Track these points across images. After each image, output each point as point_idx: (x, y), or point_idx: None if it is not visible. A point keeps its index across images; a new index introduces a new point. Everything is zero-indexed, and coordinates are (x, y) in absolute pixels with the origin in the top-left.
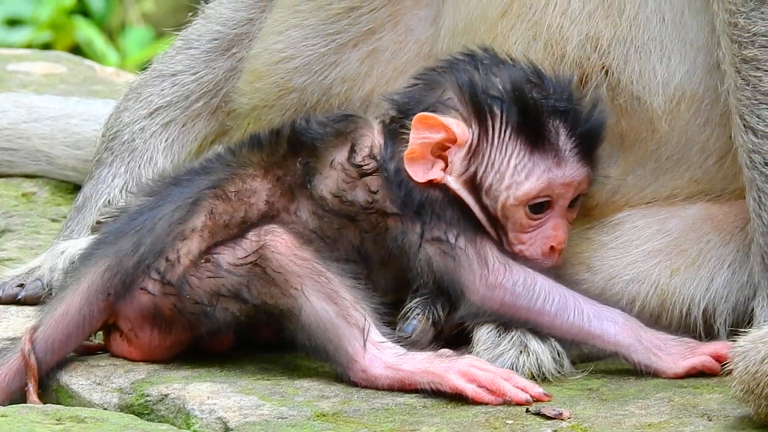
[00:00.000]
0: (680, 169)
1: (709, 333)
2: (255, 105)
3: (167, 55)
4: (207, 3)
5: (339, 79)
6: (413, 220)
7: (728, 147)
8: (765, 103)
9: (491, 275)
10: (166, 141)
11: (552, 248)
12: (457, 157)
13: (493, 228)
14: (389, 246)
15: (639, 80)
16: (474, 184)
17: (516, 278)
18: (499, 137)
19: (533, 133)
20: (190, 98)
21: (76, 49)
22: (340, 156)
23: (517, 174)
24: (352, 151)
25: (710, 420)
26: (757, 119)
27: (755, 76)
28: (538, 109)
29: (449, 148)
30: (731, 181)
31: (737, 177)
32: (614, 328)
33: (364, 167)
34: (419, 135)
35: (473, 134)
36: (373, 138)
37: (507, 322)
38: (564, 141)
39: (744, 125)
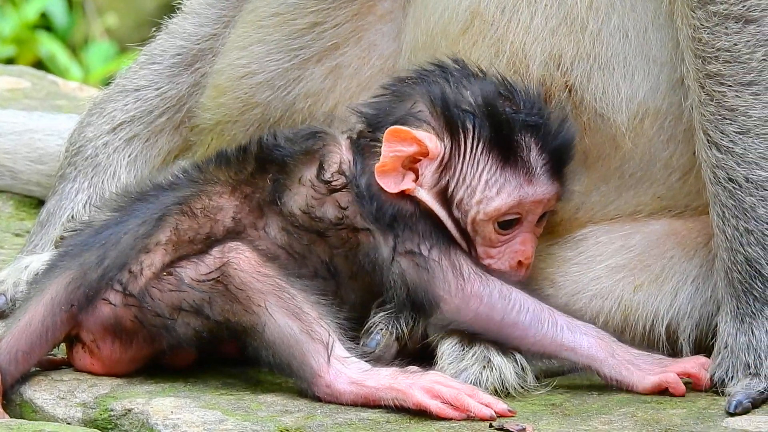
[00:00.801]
0: (643, 186)
1: (672, 348)
2: (218, 120)
3: (131, 70)
4: (171, 18)
5: (302, 94)
6: (385, 234)
7: (692, 163)
8: (729, 119)
9: (467, 285)
10: (129, 156)
11: (520, 263)
12: (428, 170)
13: (463, 240)
14: (361, 261)
15: (602, 97)
16: (445, 197)
17: (492, 288)
18: (471, 152)
19: (505, 149)
20: (154, 113)
21: (40, 64)
22: (309, 173)
23: (488, 189)
24: (321, 167)
25: None
26: (720, 134)
27: (719, 92)
28: (510, 124)
29: (420, 161)
30: (694, 198)
31: (700, 193)
32: (588, 341)
33: (332, 183)
34: (391, 148)
35: (445, 148)
36: (341, 154)
37: (480, 332)
38: (535, 157)
39: (708, 140)
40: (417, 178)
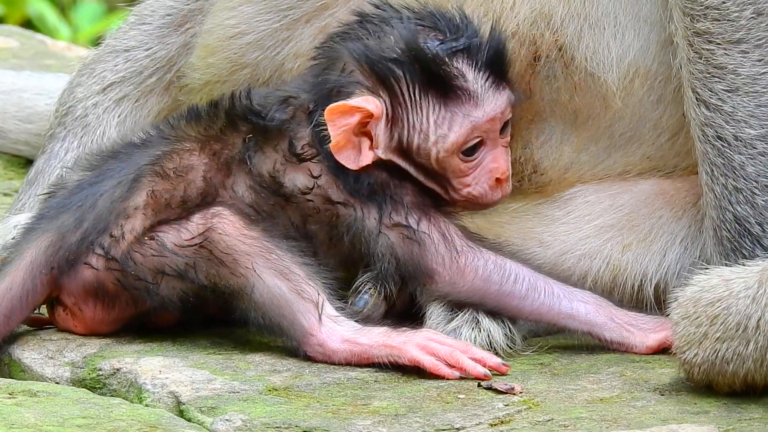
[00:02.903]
0: (633, 146)
1: (660, 309)
2: (207, 80)
3: (120, 30)
4: None
5: (292, 54)
6: (368, 207)
7: (681, 124)
8: (717, 77)
9: (461, 257)
10: (119, 116)
11: (498, 180)
12: (379, 129)
13: (436, 183)
14: (341, 232)
15: (593, 57)
16: (402, 149)
17: (486, 259)
18: (410, 98)
19: (441, 83)
20: (143, 74)
21: (28, 24)
22: (283, 143)
23: (439, 128)
24: (291, 141)
25: (662, 395)
26: (709, 92)
27: (707, 50)
28: (439, 58)
29: (368, 122)
30: (683, 158)
31: (689, 154)
32: (585, 308)
33: (303, 155)
34: (336, 125)
35: (385, 103)
36: (310, 126)
37: (477, 304)
38: (473, 78)
39: (696, 98)
40: (372, 141)
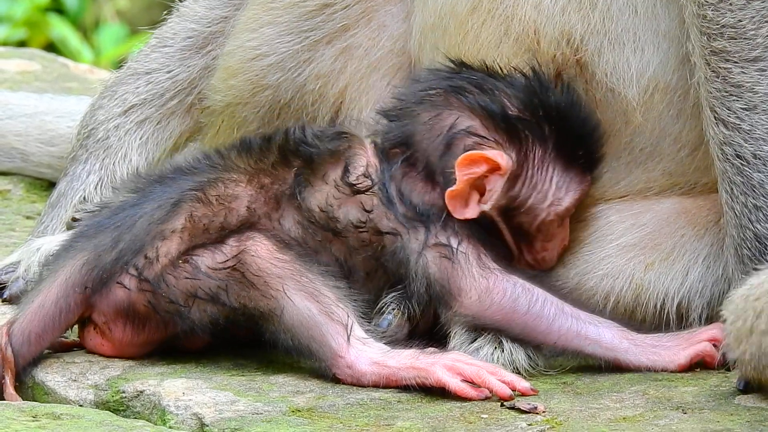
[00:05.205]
0: (653, 161)
1: (682, 327)
2: (229, 102)
3: (142, 53)
4: (181, 1)
5: (313, 75)
6: (416, 229)
7: (700, 139)
8: (735, 95)
9: (491, 276)
10: (140, 139)
11: (564, 248)
12: (497, 185)
13: (517, 242)
14: (384, 261)
15: (613, 72)
16: (511, 206)
17: (515, 282)
18: (538, 158)
19: (563, 146)
20: (165, 96)
21: (51, 47)
22: (334, 173)
23: (558, 191)
24: (346, 169)
25: (685, 413)
26: (727, 111)
27: (725, 68)
28: (559, 121)
29: (488, 177)
30: (703, 173)
31: (709, 169)
32: (610, 333)
33: (357, 185)
34: (464, 172)
35: (512, 160)
36: (367, 157)
37: (504, 328)
38: (580, 146)
39: (714, 117)
40: (483, 195)
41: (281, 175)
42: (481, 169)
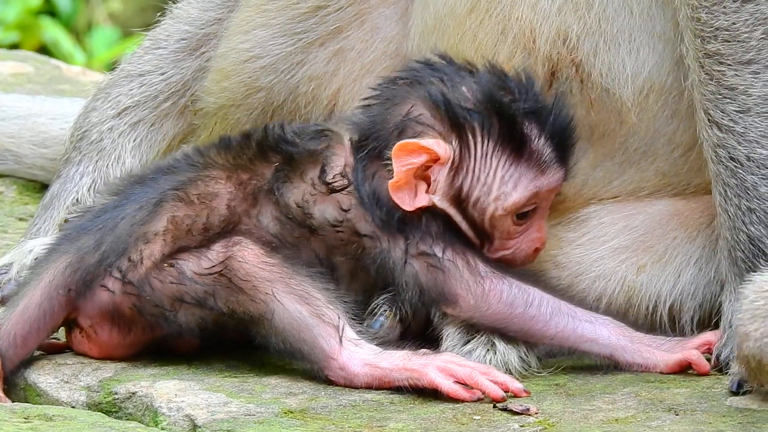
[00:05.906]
0: (647, 161)
1: (674, 330)
2: (222, 104)
3: (135, 55)
4: (175, 3)
5: (306, 78)
6: (395, 238)
7: (694, 140)
8: (729, 98)
9: (485, 281)
10: (134, 141)
11: (536, 249)
12: (440, 175)
13: (476, 237)
14: (366, 265)
15: (608, 73)
16: (459, 198)
17: (510, 283)
18: (482, 150)
19: (515, 142)
20: (159, 98)
21: (43, 50)
22: (312, 172)
23: (504, 185)
24: (323, 169)
25: (677, 414)
26: (721, 114)
27: (718, 71)
28: (514, 116)
29: (431, 167)
30: (696, 174)
31: (702, 170)
32: (606, 330)
33: (333, 184)
34: (401, 162)
35: (454, 150)
36: (345, 157)
37: (501, 328)
38: (543, 144)
39: (708, 120)
40: (429, 185)
41: (259, 170)
42: (420, 159)
